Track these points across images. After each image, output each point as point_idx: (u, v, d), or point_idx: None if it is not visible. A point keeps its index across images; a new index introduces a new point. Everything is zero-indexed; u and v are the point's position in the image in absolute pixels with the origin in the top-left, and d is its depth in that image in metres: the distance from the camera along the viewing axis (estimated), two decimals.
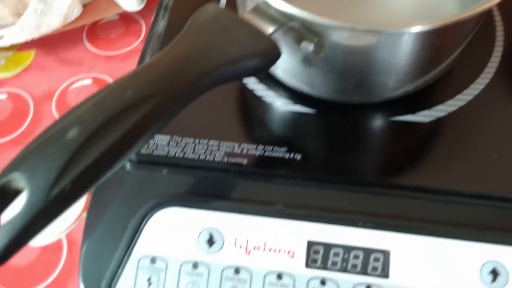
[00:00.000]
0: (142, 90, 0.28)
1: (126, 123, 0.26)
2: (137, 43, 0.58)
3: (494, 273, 0.34)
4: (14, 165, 0.25)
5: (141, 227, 0.37)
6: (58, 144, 0.25)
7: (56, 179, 0.24)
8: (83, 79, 0.55)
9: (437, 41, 0.34)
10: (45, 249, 0.44)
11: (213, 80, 0.30)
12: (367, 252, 0.35)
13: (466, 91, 0.40)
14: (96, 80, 0.55)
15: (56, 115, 0.52)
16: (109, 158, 0.26)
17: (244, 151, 0.39)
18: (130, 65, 0.56)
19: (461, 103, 0.40)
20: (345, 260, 0.35)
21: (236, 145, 0.39)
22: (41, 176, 0.24)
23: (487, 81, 0.41)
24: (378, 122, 0.40)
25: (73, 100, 0.53)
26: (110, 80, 0.55)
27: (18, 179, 0.25)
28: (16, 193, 0.25)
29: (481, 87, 0.41)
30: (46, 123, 0.52)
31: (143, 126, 0.27)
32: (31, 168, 0.25)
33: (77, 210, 0.46)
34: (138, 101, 0.27)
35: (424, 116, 0.39)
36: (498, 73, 0.41)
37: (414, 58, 0.35)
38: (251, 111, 0.41)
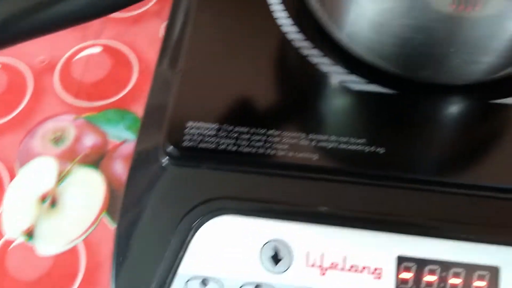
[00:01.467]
0: None
1: None
2: (151, 3, 0.49)
3: None
4: None
5: (187, 240, 0.30)
6: None
7: None
8: (91, 46, 0.46)
9: None
10: (59, 258, 0.36)
11: None
12: (470, 269, 0.29)
13: None
14: (106, 48, 0.46)
15: (59, 91, 0.43)
16: None
17: (313, 143, 0.31)
18: (144, 29, 0.47)
19: None
20: (442, 280, 0.29)
21: (303, 135, 0.31)
22: None
23: None
24: (476, 106, 0.32)
25: (79, 73, 0.44)
26: (122, 47, 0.46)
27: None
28: None
29: None
30: (47, 100, 0.43)
31: None
32: None
33: (94, 209, 0.38)
34: None
35: None
36: None
37: None
38: (316, 92, 0.34)
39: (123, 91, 0.43)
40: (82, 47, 0.46)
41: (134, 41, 0.46)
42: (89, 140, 0.41)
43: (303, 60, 0.34)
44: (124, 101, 0.43)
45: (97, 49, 0.46)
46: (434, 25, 0.27)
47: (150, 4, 0.49)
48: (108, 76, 0.44)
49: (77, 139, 0.41)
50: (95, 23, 0.47)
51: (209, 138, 0.31)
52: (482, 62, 0.29)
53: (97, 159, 0.40)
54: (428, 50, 0.28)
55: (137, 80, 0.44)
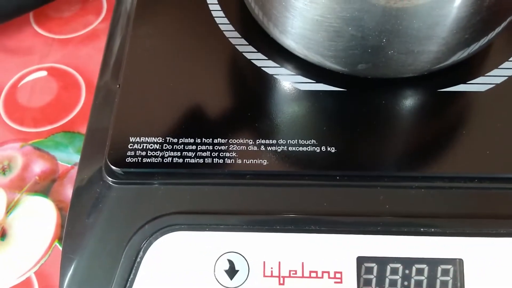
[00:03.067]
0: None
1: None
2: (97, 22, 0.48)
3: None
4: None
5: (137, 260, 0.28)
6: None
7: None
8: (36, 70, 0.44)
9: None
10: None
11: None
12: (433, 263, 0.28)
13: None
14: (52, 71, 0.44)
15: (5, 118, 0.42)
16: None
17: (262, 148, 0.30)
18: (92, 49, 0.46)
19: None
20: (406, 278, 0.28)
21: (251, 142, 0.30)
22: None
23: None
24: (424, 96, 0.32)
25: (26, 97, 0.43)
26: (69, 69, 0.45)
27: None
28: None
29: None
30: None
31: None
32: None
33: (46, 239, 0.36)
34: None
35: (479, 85, 0.32)
36: None
37: (479, 15, 0.27)
38: (262, 96, 0.32)
39: (71, 114, 0.42)
40: (27, 72, 0.44)
41: (81, 62, 0.45)
42: (38, 167, 0.39)
43: (248, 64, 0.34)
44: (72, 123, 0.41)
45: (43, 73, 0.44)
46: (365, 17, 0.26)
47: (97, 22, 0.48)
48: (55, 99, 0.43)
49: (25, 167, 0.39)
50: (38, 47, 0.46)
51: (153, 152, 0.30)
52: (419, 53, 0.28)
53: (47, 186, 0.38)
54: (362, 42, 0.28)
55: (85, 101, 0.42)
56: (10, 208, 0.37)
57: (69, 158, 0.39)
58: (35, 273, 0.35)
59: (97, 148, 0.31)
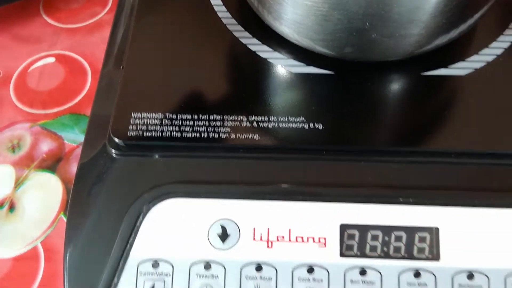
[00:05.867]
0: None
1: None
2: (103, 13, 0.50)
3: None
4: None
5: (137, 225, 0.30)
6: None
7: None
8: (45, 57, 0.47)
9: None
10: (18, 260, 0.37)
11: None
12: (411, 231, 0.30)
13: (502, 37, 0.35)
14: (60, 57, 0.47)
15: (15, 101, 0.44)
16: None
17: (254, 124, 0.32)
18: (97, 38, 0.48)
19: (499, 51, 0.34)
20: (385, 244, 0.30)
21: (244, 118, 0.32)
22: None
23: None
24: (407, 79, 0.34)
25: (35, 82, 0.45)
26: (76, 56, 0.47)
27: None
28: None
29: None
30: (4, 111, 0.44)
31: None
32: None
33: (52, 211, 0.38)
34: None
35: (460, 69, 0.34)
36: None
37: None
38: (255, 77, 0.35)
39: (77, 98, 0.44)
40: (36, 58, 0.47)
41: (88, 50, 0.47)
42: (46, 146, 0.42)
43: (243, 48, 0.36)
44: (78, 106, 0.44)
45: (51, 59, 0.47)
46: (349, 1, 0.28)
47: (103, 13, 0.50)
48: (62, 84, 0.45)
49: (34, 146, 0.42)
50: (47, 36, 0.48)
51: (153, 127, 0.32)
52: (401, 37, 0.31)
53: (54, 163, 0.41)
54: (348, 26, 0.30)
55: (91, 86, 0.45)
56: (18, 183, 0.40)
57: (75, 137, 0.42)
58: (42, 242, 0.37)
59: (102, 126, 0.34)
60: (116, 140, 0.32)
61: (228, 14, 0.38)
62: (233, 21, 0.37)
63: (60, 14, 0.50)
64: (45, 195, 0.39)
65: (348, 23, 0.30)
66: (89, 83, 0.45)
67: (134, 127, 0.32)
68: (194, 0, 0.39)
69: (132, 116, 0.33)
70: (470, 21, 0.32)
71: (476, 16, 0.32)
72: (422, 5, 0.29)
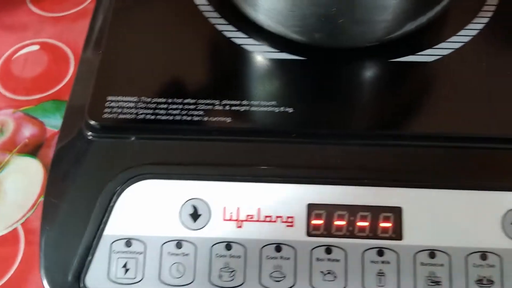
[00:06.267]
0: None
1: None
2: (88, 2, 0.51)
3: None
4: None
5: (111, 204, 0.31)
6: None
7: None
8: (29, 45, 0.48)
9: None
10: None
11: None
12: (376, 211, 0.31)
13: (470, 26, 0.36)
14: (44, 45, 0.48)
15: (0, 88, 0.45)
16: None
17: (227, 108, 0.33)
18: (82, 27, 0.49)
19: (467, 39, 0.35)
20: (351, 223, 0.31)
21: (217, 102, 0.33)
22: None
23: (491, 13, 0.37)
24: (376, 65, 0.35)
25: (19, 69, 0.46)
26: (59, 44, 0.48)
27: None
28: None
29: (485, 20, 0.36)
30: None
31: None
32: None
33: (32, 194, 0.39)
34: None
35: (427, 56, 0.35)
36: (501, 5, 0.37)
37: None
38: (229, 63, 0.36)
39: (60, 84, 0.45)
40: (21, 46, 0.48)
41: (71, 38, 0.48)
42: (28, 131, 0.43)
43: (218, 35, 0.37)
44: (60, 93, 0.44)
45: (35, 47, 0.48)
46: None
47: (87, 2, 0.51)
48: (45, 71, 0.46)
49: (16, 131, 0.42)
50: (32, 24, 0.49)
51: (128, 110, 0.33)
52: (367, 23, 0.32)
53: (35, 148, 0.42)
54: (315, 11, 0.31)
55: (73, 73, 0.45)
56: (1, 167, 0.41)
57: (56, 123, 0.43)
58: (22, 224, 0.38)
59: (79, 110, 0.35)
60: (92, 122, 0.33)
61: (204, 1, 0.38)
62: (209, 8, 0.38)
63: (45, 2, 0.51)
64: (27, 179, 0.40)
65: (316, 9, 0.31)
66: (72, 70, 0.46)
67: (110, 110, 0.33)
68: None
69: (108, 100, 0.33)
70: (437, 8, 0.33)
71: (443, 3, 0.33)
72: None
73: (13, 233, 0.38)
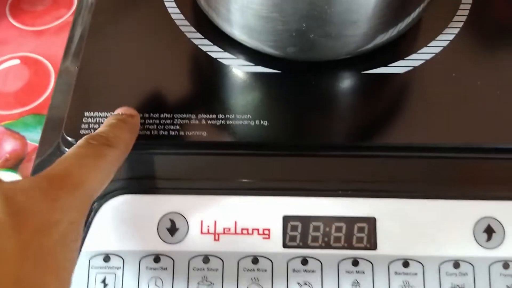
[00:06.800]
0: None
1: None
2: (68, 15, 0.51)
3: (489, 231, 0.31)
4: None
5: (89, 220, 0.32)
6: None
7: None
8: (10, 59, 0.48)
9: None
10: None
11: None
12: (350, 221, 0.31)
13: (441, 37, 0.37)
14: (24, 59, 0.48)
15: None
16: None
17: (203, 122, 0.34)
18: (63, 40, 0.49)
19: (437, 50, 0.36)
20: (326, 234, 0.31)
21: (193, 116, 0.34)
22: None
23: (461, 24, 0.38)
24: (349, 77, 0.35)
25: (0, 83, 0.46)
26: (40, 58, 0.48)
27: None
28: None
29: (455, 31, 0.37)
30: None
31: None
32: None
33: None
34: None
35: (398, 67, 0.36)
36: (470, 16, 0.38)
37: (386, 2, 0.31)
38: (206, 76, 0.36)
39: (41, 98, 0.45)
40: (1, 60, 0.48)
41: (52, 52, 0.48)
42: (9, 146, 0.43)
43: (194, 49, 0.37)
44: (41, 107, 0.45)
45: (16, 61, 0.48)
46: (283, 3, 0.30)
47: (67, 15, 0.51)
48: (26, 85, 0.46)
49: None
50: (13, 38, 0.49)
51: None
52: (337, 37, 0.32)
53: (17, 163, 0.42)
54: (287, 27, 0.31)
55: (54, 86, 0.46)
56: None
57: (37, 137, 0.43)
58: None
59: (57, 124, 0.35)
60: (69, 139, 0.33)
61: (181, 16, 0.39)
62: (186, 22, 0.39)
63: (26, 16, 0.51)
64: None
65: (287, 25, 0.31)
66: (52, 84, 0.46)
67: (87, 126, 0.33)
68: (149, 1, 0.40)
69: (84, 115, 0.34)
70: (407, 21, 0.34)
71: (412, 16, 0.34)
72: (354, 7, 0.31)
73: None
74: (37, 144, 0.42)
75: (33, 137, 0.43)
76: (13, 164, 0.42)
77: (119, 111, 0.32)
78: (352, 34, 0.32)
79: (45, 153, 0.34)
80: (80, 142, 0.28)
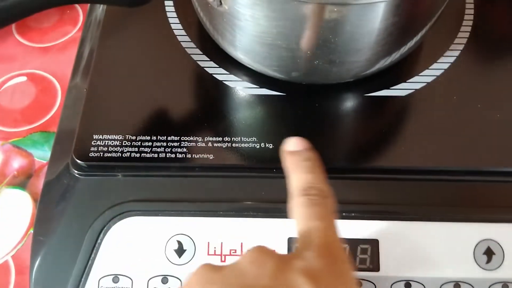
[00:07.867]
0: None
1: None
2: (74, 31, 0.52)
3: (489, 253, 0.32)
4: None
5: (98, 242, 0.32)
6: None
7: None
8: (17, 76, 0.49)
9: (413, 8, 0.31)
10: None
11: None
12: (354, 243, 0.32)
13: (442, 59, 0.38)
14: (31, 76, 0.49)
15: None
16: None
17: (209, 145, 0.34)
18: (69, 56, 0.50)
19: (439, 72, 0.37)
20: None
21: (199, 139, 0.35)
22: None
23: (462, 46, 0.39)
24: (352, 99, 0.36)
25: (7, 101, 0.47)
26: (47, 75, 0.49)
27: None
28: None
29: (456, 53, 0.38)
30: None
31: None
32: None
33: (23, 226, 0.40)
34: None
35: (400, 90, 0.36)
36: (471, 39, 0.39)
37: (388, 31, 0.32)
38: (211, 99, 0.37)
39: (48, 115, 0.46)
40: (9, 77, 0.49)
41: (58, 69, 0.49)
42: (17, 163, 0.43)
43: (201, 71, 0.38)
44: (48, 124, 0.45)
45: (22, 78, 0.48)
46: (289, 33, 0.31)
47: (73, 32, 0.52)
48: (33, 102, 0.47)
49: (5, 163, 0.43)
50: (19, 55, 0.50)
51: (114, 148, 0.34)
52: (341, 63, 0.33)
53: (24, 180, 0.43)
54: (292, 54, 0.32)
55: (60, 104, 0.46)
56: None
57: (44, 155, 0.44)
58: (12, 257, 0.39)
59: (66, 145, 0.36)
60: (79, 161, 0.34)
61: (187, 38, 0.40)
62: (192, 44, 0.39)
63: (32, 33, 0.52)
64: (16, 211, 0.41)
65: (291, 52, 0.32)
66: (59, 101, 0.47)
67: (96, 148, 0.34)
68: (156, 23, 0.41)
69: (93, 138, 0.35)
70: (409, 46, 0.35)
71: (415, 39, 0.35)
72: (357, 36, 0.31)
73: (4, 265, 0.39)
74: (44, 162, 0.43)
75: (41, 154, 0.44)
76: (21, 182, 0.43)
77: (293, 147, 0.29)
78: (355, 60, 0.33)
79: (54, 174, 0.35)
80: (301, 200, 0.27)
